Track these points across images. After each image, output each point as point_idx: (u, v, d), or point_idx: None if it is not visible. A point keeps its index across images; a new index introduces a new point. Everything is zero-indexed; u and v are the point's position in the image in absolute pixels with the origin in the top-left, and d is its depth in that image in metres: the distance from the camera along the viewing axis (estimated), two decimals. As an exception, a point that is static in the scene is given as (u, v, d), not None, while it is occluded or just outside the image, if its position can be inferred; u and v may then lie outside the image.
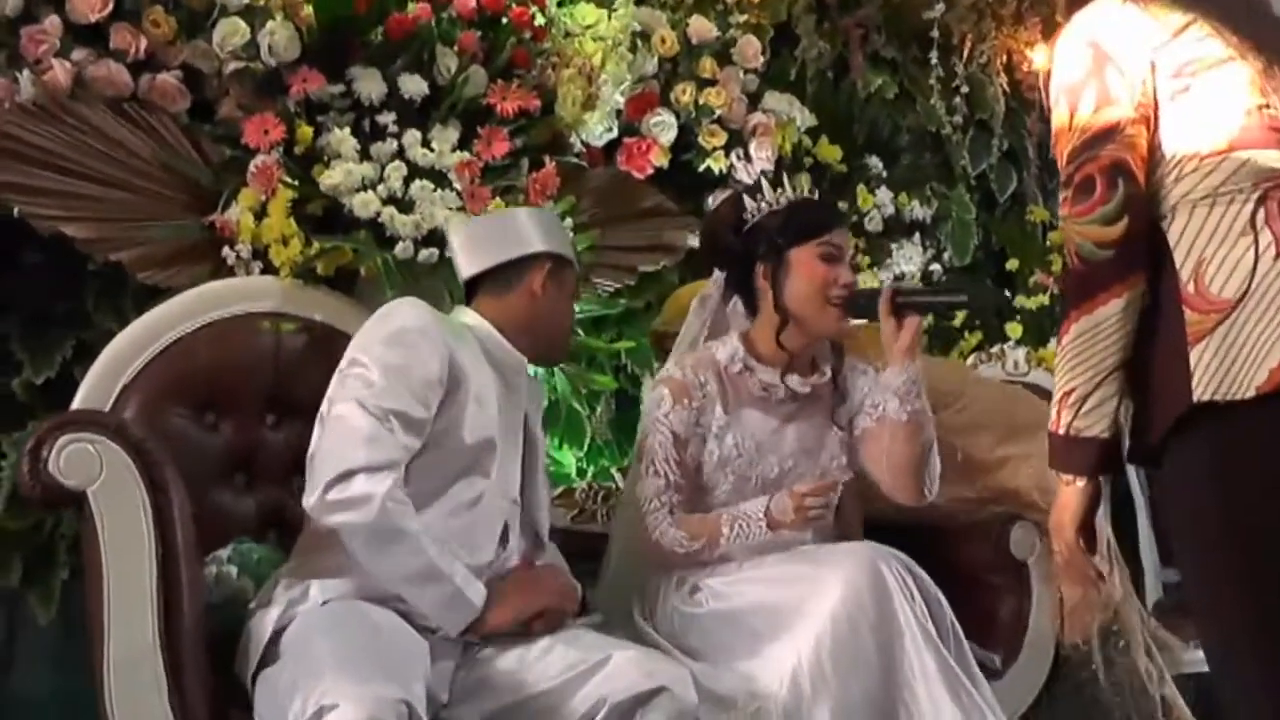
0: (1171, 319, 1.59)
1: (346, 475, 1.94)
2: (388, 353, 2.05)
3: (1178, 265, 1.60)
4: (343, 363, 2.09)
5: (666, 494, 2.18)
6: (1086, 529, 1.69)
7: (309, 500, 1.97)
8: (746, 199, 2.30)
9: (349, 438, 1.98)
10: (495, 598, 2.01)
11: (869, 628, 1.97)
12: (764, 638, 2.05)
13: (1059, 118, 1.65)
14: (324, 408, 2.06)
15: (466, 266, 2.26)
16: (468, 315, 2.24)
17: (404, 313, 2.13)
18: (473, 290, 2.26)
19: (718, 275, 2.38)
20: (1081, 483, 1.67)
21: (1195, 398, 1.55)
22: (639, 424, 2.32)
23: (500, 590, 2.03)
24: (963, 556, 2.60)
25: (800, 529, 2.14)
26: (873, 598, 1.98)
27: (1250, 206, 1.58)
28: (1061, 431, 1.64)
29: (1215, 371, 1.54)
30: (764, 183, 2.29)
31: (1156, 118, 1.63)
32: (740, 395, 2.27)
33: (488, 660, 2.02)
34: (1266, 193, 1.58)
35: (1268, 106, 1.60)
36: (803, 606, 2.02)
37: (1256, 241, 1.57)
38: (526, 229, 2.25)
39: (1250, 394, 1.52)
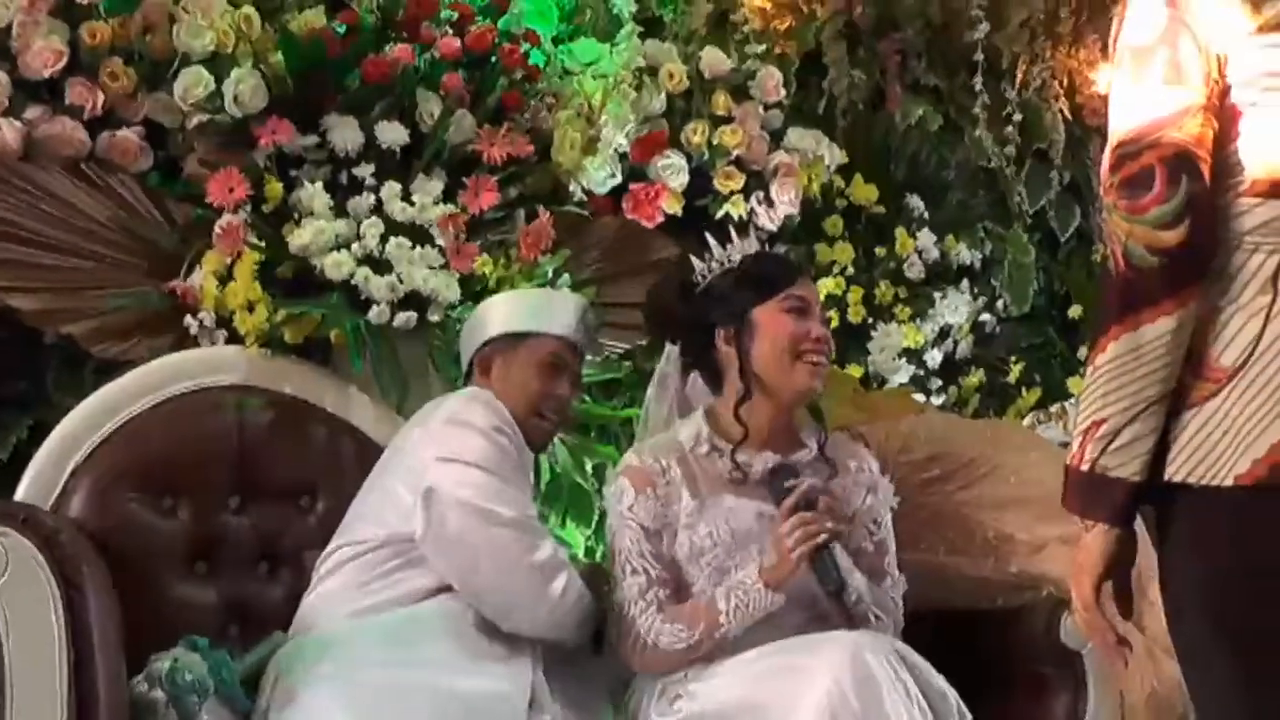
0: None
1: None
2: None
3: None
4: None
5: (651, 591, 2.11)
6: (1118, 586, 1.53)
7: None
8: (694, 260, 2.26)
9: None
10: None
11: None
12: None
13: (1119, 85, 1.49)
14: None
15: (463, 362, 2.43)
16: None
17: None
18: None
19: (671, 350, 2.31)
20: (1104, 528, 1.50)
21: (1166, 475, 1.44)
22: (605, 522, 2.26)
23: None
24: (1009, 645, 2.51)
25: (803, 572, 2.05)
26: (859, 693, 1.91)
27: (1276, 260, 1.44)
28: (1085, 468, 1.47)
29: (1195, 451, 1.43)
30: (710, 240, 2.25)
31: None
32: (710, 479, 2.19)
33: None
34: None
35: None
36: (784, 703, 1.96)
37: (1273, 302, 1.43)
38: (484, 316, 2.39)
39: (1228, 483, 1.41)
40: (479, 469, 2.16)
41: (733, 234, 2.28)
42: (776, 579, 2.06)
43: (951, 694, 2.03)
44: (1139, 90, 1.47)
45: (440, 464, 2.16)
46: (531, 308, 2.41)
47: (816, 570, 2.06)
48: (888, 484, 2.29)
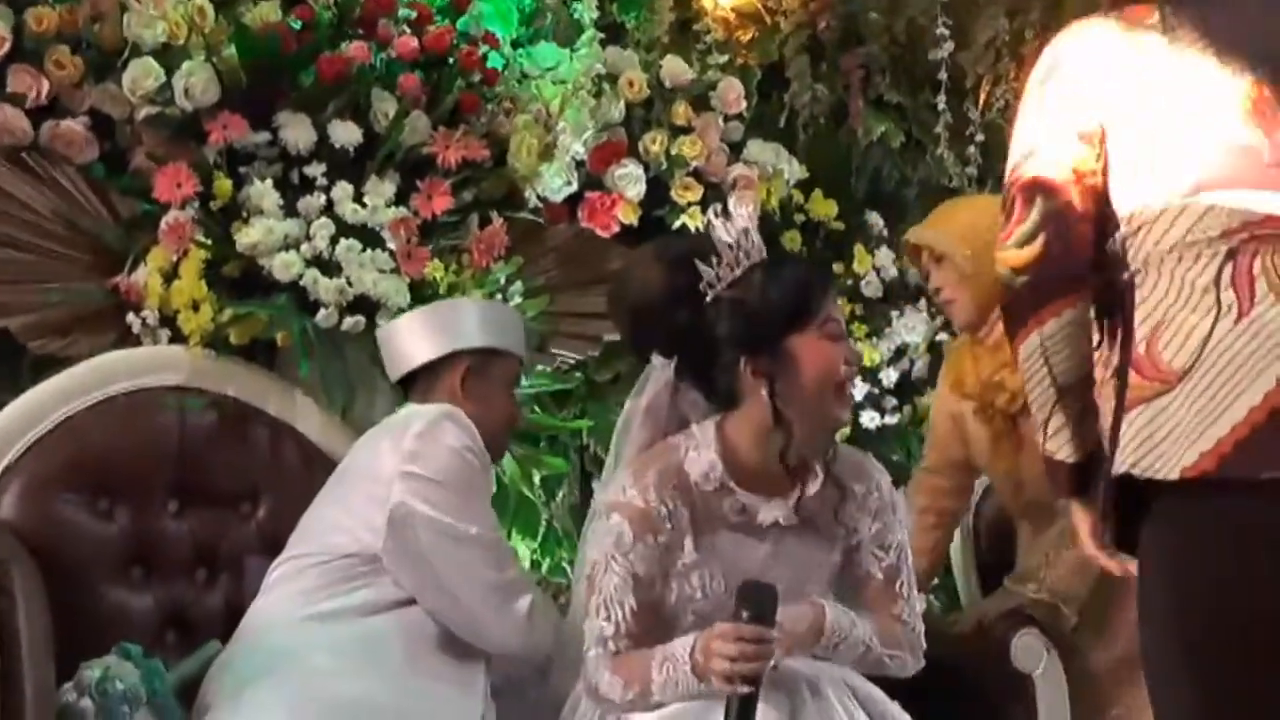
0: (1122, 383, 1.59)
1: None
2: None
3: (1136, 325, 1.59)
4: None
5: (614, 640, 1.99)
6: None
7: None
8: (700, 265, 2.04)
9: None
10: None
11: None
12: None
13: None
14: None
15: (389, 369, 2.40)
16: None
17: None
18: (407, 389, 2.38)
19: (661, 365, 2.12)
20: (1076, 503, 1.74)
21: (1115, 468, 1.56)
22: (582, 541, 2.21)
23: None
24: (962, 670, 2.50)
25: (713, 683, 1.87)
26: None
27: (1217, 262, 1.55)
28: (1044, 454, 1.74)
29: (1142, 444, 1.53)
30: (723, 237, 2.05)
31: (1105, 151, 1.63)
32: (713, 518, 2.04)
33: None
34: (1237, 246, 1.54)
35: (1254, 134, 1.56)
36: None
37: (1218, 304, 1.53)
38: (444, 327, 2.35)
39: (1174, 475, 1.51)
40: (448, 487, 2.18)
41: (732, 228, 2.06)
42: (705, 673, 1.91)
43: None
44: (1013, 135, 1.68)
45: (409, 479, 2.17)
46: (503, 323, 2.42)
47: (727, 709, 1.85)
48: (902, 501, 2.20)
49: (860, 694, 1.99)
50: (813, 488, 2.07)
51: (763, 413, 2.01)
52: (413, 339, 2.37)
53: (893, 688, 2.10)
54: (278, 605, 2.22)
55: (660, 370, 2.13)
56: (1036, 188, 1.63)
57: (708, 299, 2.03)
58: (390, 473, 2.17)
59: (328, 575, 2.20)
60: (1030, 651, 2.58)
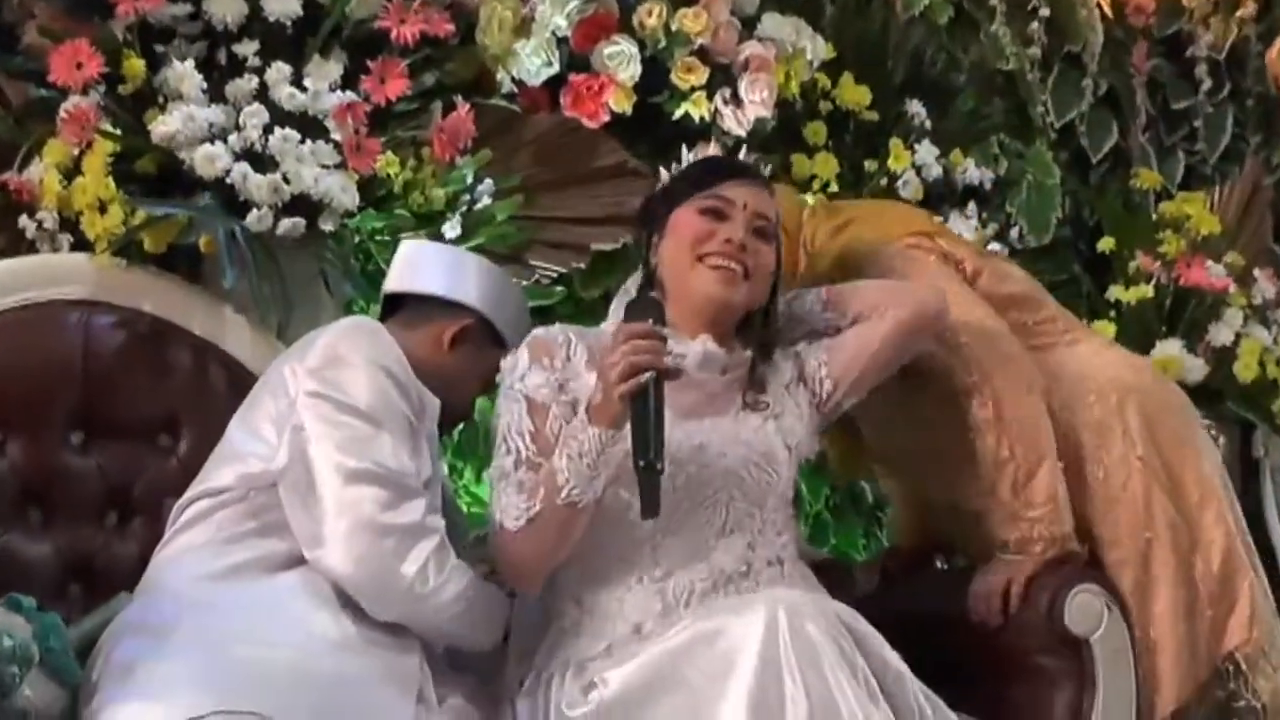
0: None
1: None
2: None
3: None
4: None
5: (519, 471, 2.06)
6: None
7: None
8: (663, 172, 2.27)
9: None
10: None
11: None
12: None
13: None
14: None
15: (390, 278, 2.37)
16: None
17: None
18: (388, 312, 2.35)
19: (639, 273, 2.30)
20: None
21: None
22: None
23: None
24: (1003, 632, 2.40)
25: (621, 396, 1.96)
26: (798, 670, 1.87)
27: None
28: None
29: None
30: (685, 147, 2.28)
31: None
32: None
33: None
34: None
35: None
36: (708, 681, 1.93)
37: None
38: (469, 277, 2.33)
39: None
40: (351, 411, 2.08)
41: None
42: (605, 416, 2.00)
43: (908, 675, 1.98)
44: None
45: (310, 400, 2.08)
46: (521, 325, 2.34)
47: (633, 417, 1.96)
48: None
49: (856, 632, 1.96)
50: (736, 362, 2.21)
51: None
52: (437, 266, 2.34)
53: (925, 654, 2.05)
54: (182, 554, 2.14)
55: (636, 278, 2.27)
56: None
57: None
58: (293, 395, 2.09)
59: (234, 518, 2.11)
60: (1087, 612, 2.39)
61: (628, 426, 1.97)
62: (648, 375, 1.95)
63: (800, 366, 2.23)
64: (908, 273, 2.35)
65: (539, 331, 2.18)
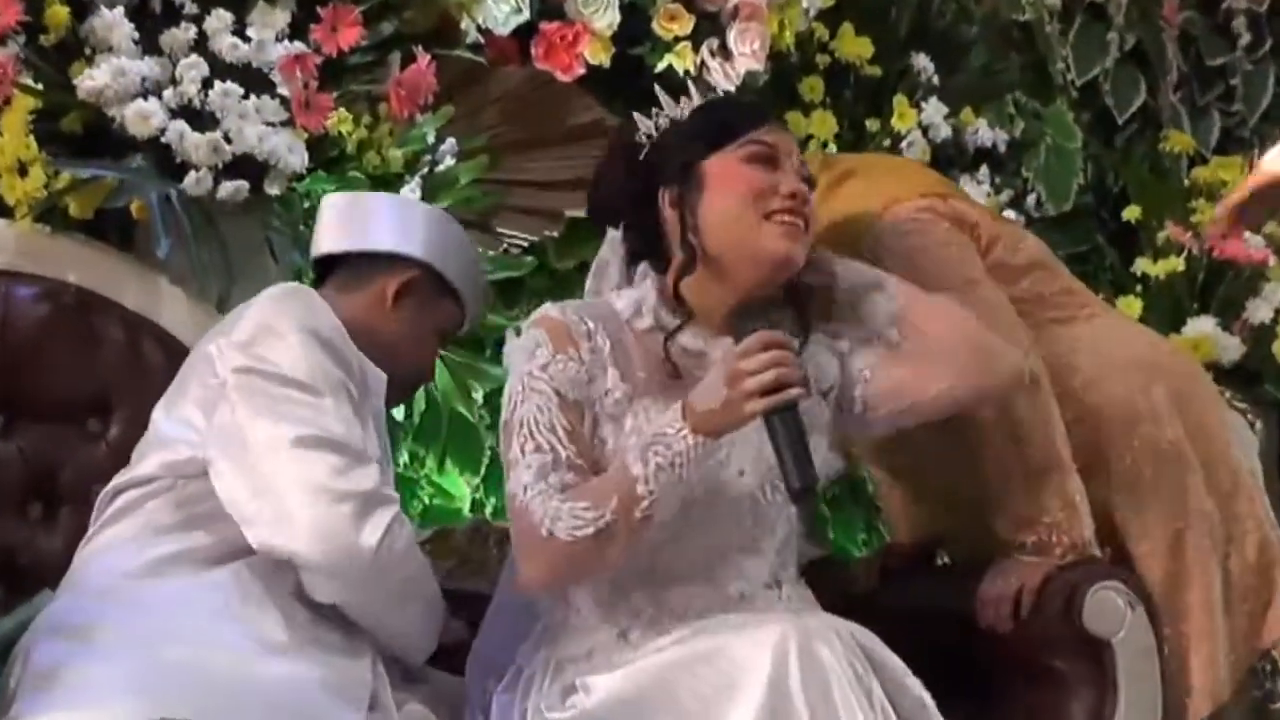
0: None
1: None
2: None
3: None
4: None
5: (556, 474, 1.91)
6: None
7: None
8: (639, 118, 2.10)
9: None
10: None
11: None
12: None
13: None
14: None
15: (316, 241, 2.30)
16: None
17: None
18: (323, 276, 2.30)
19: (613, 235, 2.17)
20: None
21: None
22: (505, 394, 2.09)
23: None
24: (1014, 632, 2.32)
25: (746, 416, 1.87)
26: (807, 698, 1.79)
27: None
28: None
29: None
30: (660, 94, 2.10)
31: None
32: (649, 364, 2.04)
33: None
34: None
35: None
36: (704, 704, 1.85)
37: None
38: (409, 226, 2.26)
39: None
40: (286, 382, 2.00)
41: (690, 87, 2.12)
42: (711, 426, 1.88)
43: (931, 706, 1.89)
44: None
45: (240, 376, 2.02)
46: (472, 273, 2.31)
47: (781, 436, 1.86)
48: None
49: (875, 658, 1.88)
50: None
51: (678, 248, 2.05)
52: (371, 219, 2.27)
53: (931, 657, 2.00)
54: (110, 548, 2.07)
55: (613, 241, 2.16)
56: None
57: (643, 154, 2.09)
58: (221, 373, 2.02)
59: (165, 507, 2.04)
60: (1107, 611, 2.31)
61: (724, 438, 1.90)
62: (797, 391, 1.85)
63: (842, 367, 2.13)
64: (914, 263, 2.22)
65: (553, 312, 2.04)
